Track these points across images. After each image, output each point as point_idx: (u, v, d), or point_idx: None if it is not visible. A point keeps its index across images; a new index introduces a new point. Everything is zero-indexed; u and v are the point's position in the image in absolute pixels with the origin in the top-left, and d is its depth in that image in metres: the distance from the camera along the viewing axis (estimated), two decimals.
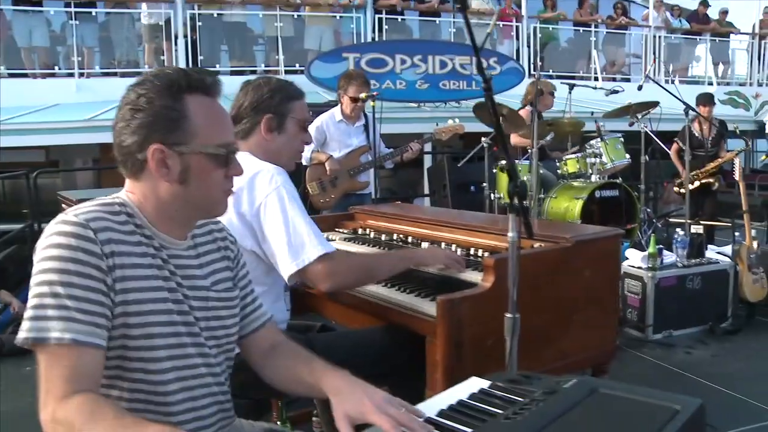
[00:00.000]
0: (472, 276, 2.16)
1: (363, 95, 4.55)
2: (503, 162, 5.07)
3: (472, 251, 2.39)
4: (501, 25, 11.29)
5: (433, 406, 1.35)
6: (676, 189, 6.25)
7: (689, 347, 4.32)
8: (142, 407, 1.35)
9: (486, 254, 2.30)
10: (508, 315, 1.81)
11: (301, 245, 2.01)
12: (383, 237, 2.81)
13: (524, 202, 1.83)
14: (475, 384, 1.45)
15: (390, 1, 10.34)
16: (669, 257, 4.63)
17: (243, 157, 2.13)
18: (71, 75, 9.30)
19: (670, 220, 5.99)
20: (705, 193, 6.37)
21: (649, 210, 6.01)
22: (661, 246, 4.55)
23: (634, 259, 4.57)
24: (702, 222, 5.18)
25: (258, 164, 2.12)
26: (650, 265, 4.41)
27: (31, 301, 1.24)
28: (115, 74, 9.52)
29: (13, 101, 8.70)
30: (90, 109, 7.97)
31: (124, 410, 1.26)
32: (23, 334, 1.23)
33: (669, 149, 6.17)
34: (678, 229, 4.83)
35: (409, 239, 2.69)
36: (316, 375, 1.48)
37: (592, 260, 2.24)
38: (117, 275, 1.30)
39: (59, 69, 9.59)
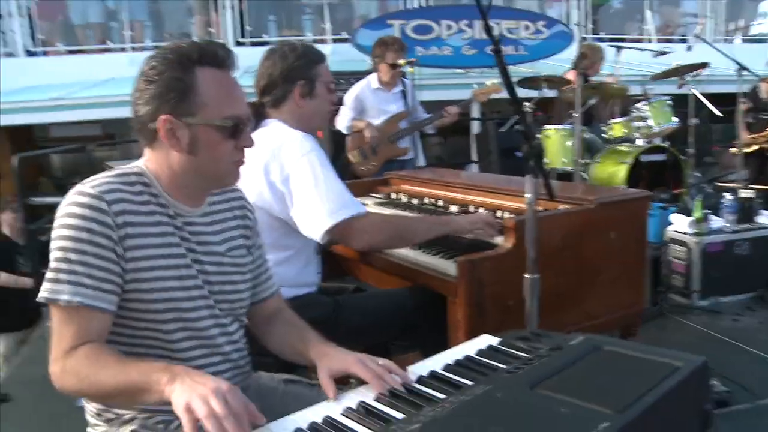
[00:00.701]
0: (498, 238, 2.18)
1: (401, 62, 4.55)
2: (548, 127, 5.06)
3: (498, 213, 2.40)
4: None
5: (440, 360, 1.40)
6: (734, 151, 6.03)
7: (737, 314, 4.22)
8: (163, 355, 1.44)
9: (511, 216, 2.31)
10: (527, 275, 1.83)
11: (335, 204, 2.06)
12: (414, 201, 2.84)
13: (543, 163, 1.84)
14: (484, 341, 1.49)
15: None
16: (716, 222, 4.52)
17: (273, 126, 2.19)
18: (123, 49, 9.53)
19: (721, 184, 5.81)
20: (765, 157, 6.13)
21: (698, 174, 5.85)
22: (707, 211, 4.44)
23: (679, 224, 4.48)
24: (754, 186, 5.01)
25: (286, 132, 2.17)
26: (696, 231, 4.32)
27: (50, 265, 1.35)
28: None
29: (71, 77, 8.99)
30: None
31: (124, 355, 1.36)
32: (41, 293, 1.34)
33: (720, 112, 5.96)
34: (726, 194, 4.69)
35: (440, 203, 2.72)
36: (306, 343, 1.56)
37: (618, 222, 2.23)
38: (128, 244, 1.38)
39: (112, 44, 9.83)
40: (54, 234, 1.36)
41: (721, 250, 4.36)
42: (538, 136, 5.49)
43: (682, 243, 4.36)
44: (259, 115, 2.25)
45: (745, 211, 4.60)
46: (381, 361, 1.39)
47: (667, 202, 4.84)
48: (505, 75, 1.73)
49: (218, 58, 1.46)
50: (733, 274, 4.40)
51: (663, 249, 4.48)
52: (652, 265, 4.27)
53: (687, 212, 4.82)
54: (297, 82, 2.23)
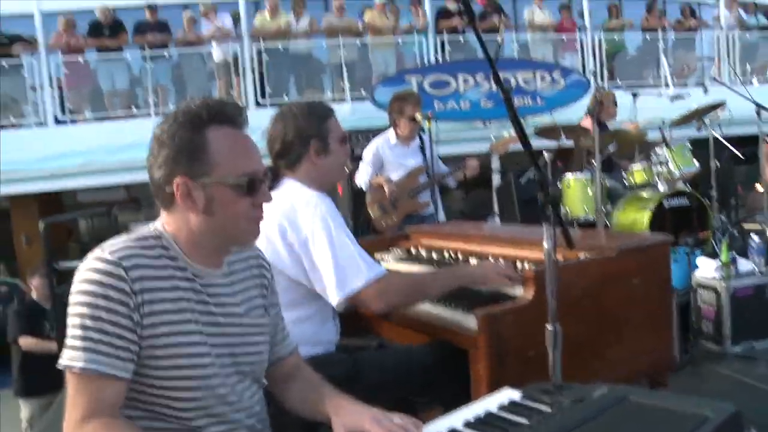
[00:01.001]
0: (518, 290, 2.16)
1: (418, 116, 4.60)
2: (568, 175, 5.05)
3: (519, 265, 2.39)
4: (564, 38, 11.17)
5: (460, 417, 1.37)
6: (759, 190, 5.95)
7: None
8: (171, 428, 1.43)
9: (531, 266, 2.29)
10: (549, 326, 1.80)
11: (348, 273, 2.05)
12: (434, 255, 2.84)
13: (560, 212, 1.82)
14: (505, 395, 1.46)
15: (451, 22, 10.39)
16: (745, 265, 4.43)
17: (289, 187, 2.22)
18: (148, 115, 9.77)
19: (747, 226, 5.73)
20: None
21: (723, 217, 5.78)
22: (734, 254, 4.37)
23: (706, 268, 4.40)
24: None
25: (302, 193, 2.18)
26: (724, 275, 4.24)
27: (68, 332, 1.36)
28: None
29: (97, 143, 9.22)
30: None
31: (137, 427, 1.35)
32: (61, 360, 1.35)
33: (742, 154, 5.92)
34: (753, 235, 4.62)
35: (460, 256, 2.71)
36: (322, 398, 1.54)
37: (640, 269, 2.20)
38: (145, 311, 1.38)
39: (137, 109, 10.09)
40: (72, 299, 1.37)
41: (751, 294, 4.26)
42: (554, 184, 5.49)
43: (711, 288, 4.28)
44: (274, 177, 2.27)
45: None
46: (397, 418, 1.37)
47: (693, 247, 4.76)
48: (515, 121, 1.74)
49: (228, 115, 1.47)
50: (765, 318, 4.29)
51: (691, 295, 4.39)
52: (680, 311, 4.17)
53: (713, 256, 4.74)
54: (311, 141, 2.25)
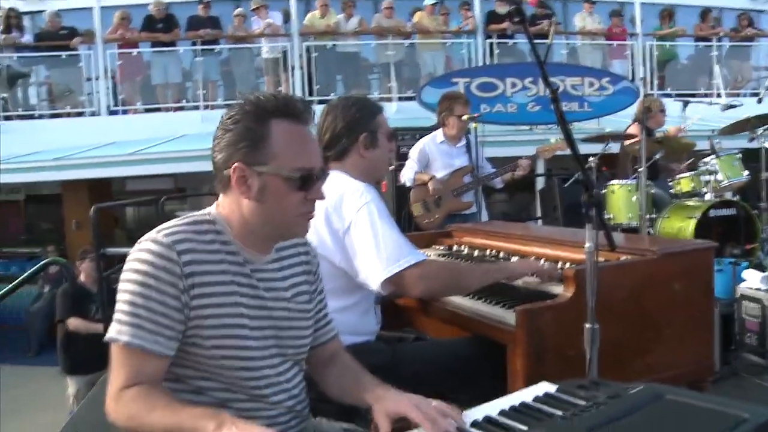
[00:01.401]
0: (558, 288, 2.17)
1: (466, 116, 4.62)
2: (614, 182, 5.00)
3: (560, 264, 2.39)
4: (614, 45, 11.04)
5: (496, 405, 1.40)
6: None
7: None
8: (210, 403, 1.48)
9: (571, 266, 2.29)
10: (587, 325, 1.81)
11: (392, 254, 2.08)
12: (476, 252, 2.85)
13: (603, 213, 1.83)
14: (542, 388, 1.48)
15: (500, 25, 10.37)
16: None
17: (336, 177, 2.26)
18: (197, 107, 9.97)
19: None
20: None
21: None
22: None
23: (752, 280, 4.32)
24: None
25: (348, 183, 2.23)
26: None
27: (116, 306, 1.43)
28: None
29: (147, 134, 9.46)
30: None
31: (175, 398, 1.41)
32: (108, 333, 1.42)
33: None
34: None
35: (501, 254, 2.72)
36: (362, 386, 1.58)
37: (682, 274, 2.18)
38: (195, 293, 1.44)
39: (187, 102, 10.31)
40: (123, 277, 1.43)
41: None
42: (597, 187, 5.43)
43: (756, 300, 4.20)
44: (325, 169, 2.32)
45: None
46: (435, 403, 1.41)
47: (739, 258, 4.68)
48: (563, 122, 1.75)
49: (294, 110, 1.51)
50: None
51: (735, 306, 4.32)
52: (723, 323, 4.11)
53: (760, 268, 4.65)
54: (360, 134, 2.29)
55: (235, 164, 1.47)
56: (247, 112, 1.49)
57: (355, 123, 2.30)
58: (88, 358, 5.41)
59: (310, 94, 10.10)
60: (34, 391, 7.03)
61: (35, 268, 5.82)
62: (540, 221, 7.86)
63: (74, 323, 5.65)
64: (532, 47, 1.70)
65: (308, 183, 1.51)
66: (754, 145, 5.56)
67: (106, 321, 5.10)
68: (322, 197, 1.56)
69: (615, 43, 11.07)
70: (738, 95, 10.65)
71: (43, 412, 6.04)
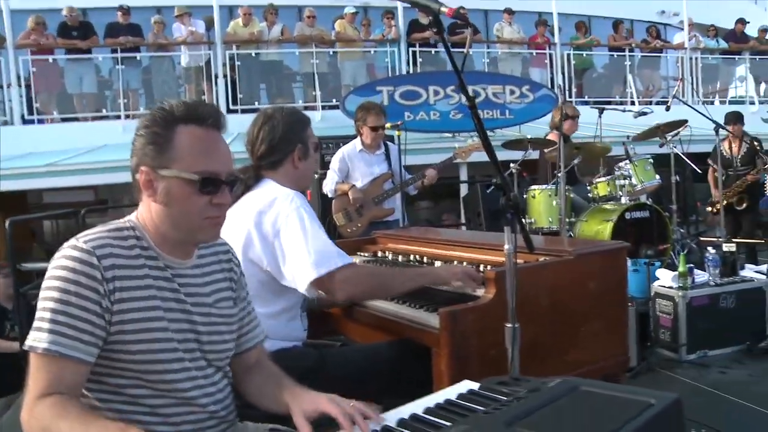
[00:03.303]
0: (480, 290, 2.23)
1: (388, 125, 4.69)
2: (534, 187, 5.17)
3: (481, 267, 2.46)
4: (534, 53, 11.38)
5: (421, 404, 1.44)
6: (708, 209, 6.22)
7: (725, 367, 4.24)
8: (141, 412, 1.48)
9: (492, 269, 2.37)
10: (508, 325, 1.87)
11: (320, 257, 2.12)
12: (400, 258, 2.90)
13: (521, 217, 1.91)
14: (465, 386, 1.53)
15: (423, 34, 10.53)
16: (701, 276, 4.59)
17: (268, 185, 2.28)
18: (118, 117, 9.72)
19: (703, 239, 5.93)
20: (741, 212, 6.31)
21: (682, 230, 5.96)
22: (691, 265, 4.52)
23: (664, 278, 4.54)
24: (736, 240, 5.12)
25: (278, 190, 2.27)
26: (681, 285, 4.38)
27: (37, 314, 1.41)
28: None
29: (65, 144, 9.14)
30: None
31: (89, 410, 1.40)
32: (27, 340, 1.40)
33: (700, 170, 6.14)
34: (709, 248, 4.78)
35: (425, 259, 2.78)
36: (281, 389, 1.60)
37: (596, 273, 2.29)
38: (116, 297, 1.44)
39: (107, 111, 10.03)
40: (44, 284, 1.42)
41: (706, 304, 4.41)
42: (519, 194, 5.61)
43: (668, 297, 4.42)
44: (256, 177, 2.36)
45: (729, 265, 4.67)
46: (353, 403, 1.44)
47: (653, 258, 4.91)
48: (480, 128, 1.81)
49: (201, 115, 1.53)
50: (719, 327, 4.43)
51: (650, 304, 4.53)
52: (639, 320, 4.30)
53: (672, 268, 4.89)
54: (296, 145, 2.35)
55: (142, 168, 1.50)
56: (155, 117, 1.52)
57: (291, 135, 2.35)
58: (2, 379, 5.18)
59: (234, 102, 10.01)
60: None
61: None
62: (464, 227, 8.01)
63: None
64: (449, 57, 1.75)
65: (212, 187, 1.52)
66: (665, 150, 5.86)
67: (23, 339, 4.93)
68: (227, 202, 1.57)
69: (534, 51, 11.41)
70: (650, 103, 11.16)
71: None
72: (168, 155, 1.49)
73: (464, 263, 2.54)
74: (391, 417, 1.39)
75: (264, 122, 2.37)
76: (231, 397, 1.66)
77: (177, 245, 1.58)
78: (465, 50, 2.04)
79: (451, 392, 1.49)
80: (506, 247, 1.87)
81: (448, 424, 1.30)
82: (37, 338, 1.38)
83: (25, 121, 9.75)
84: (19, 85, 9.69)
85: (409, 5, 1.72)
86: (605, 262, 2.37)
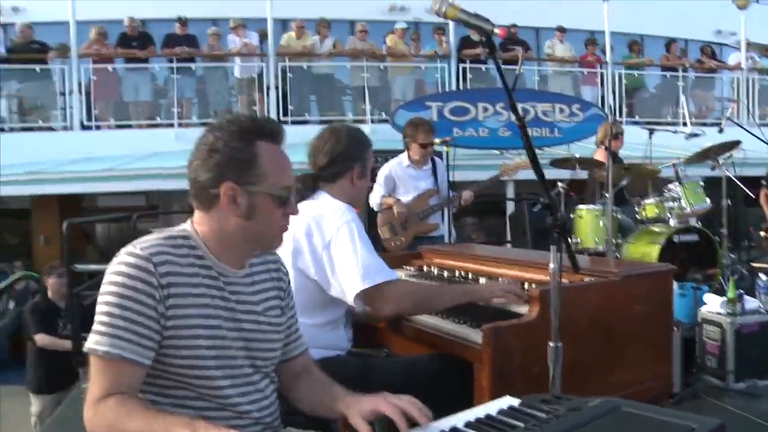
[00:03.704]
0: (524, 308, 2.25)
1: (437, 140, 4.72)
2: (581, 207, 5.13)
3: (526, 285, 2.47)
4: (585, 72, 11.29)
5: (461, 418, 1.46)
6: (763, 234, 6.06)
7: None
8: (188, 414, 1.53)
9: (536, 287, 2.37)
10: (551, 344, 1.88)
11: (369, 270, 2.18)
12: (446, 273, 2.93)
13: (567, 236, 1.92)
14: (505, 401, 1.54)
15: (474, 50, 10.54)
16: (752, 303, 4.48)
17: (322, 197, 2.35)
18: (171, 125, 9.97)
19: (755, 265, 5.78)
20: None
21: (733, 255, 5.83)
22: (741, 291, 4.42)
23: (712, 304, 4.44)
24: None
25: (332, 202, 2.34)
26: (729, 311, 4.29)
27: (96, 317, 1.47)
28: None
29: (120, 150, 9.42)
30: (187, 156, 8.47)
31: (151, 406, 1.46)
32: (87, 343, 1.46)
33: (753, 194, 6.01)
34: (761, 274, 4.67)
35: (470, 275, 2.80)
36: (334, 397, 1.65)
37: (642, 295, 2.28)
38: (170, 303, 1.50)
39: (160, 119, 10.30)
40: (102, 289, 1.49)
41: (756, 331, 4.30)
42: (566, 213, 5.57)
43: (716, 323, 4.31)
44: (314, 187, 2.43)
45: None
46: (405, 397, 1.49)
47: (701, 283, 4.82)
48: (529, 146, 1.84)
49: (274, 133, 1.62)
50: None
51: (696, 330, 4.44)
52: (685, 346, 4.22)
53: (721, 293, 4.78)
54: (356, 163, 2.42)
55: (227, 184, 1.55)
56: (234, 133, 1.57)
57: (354, 152, 2.43)
58: (55, 376, 5.36)
59: (285, 114, 10.17)
60: None
61: (7, 281, 5.77)
62: (509, 245, 7.98)
63: (41, 340, 5.59)
64: (501, 77, 1.79)
65: (289, 200, 1.62)
66: (717, 173, 5.75)
67: (76, 338, 5.09)
68: (297, 212, 1.67)
69: (585, 70, 11.32)
70: (704, 125, 10.95)
71: (7, 430, 5.95)
72: (254, 172, 1.56)
73: (507, 280, 2.56)
74: (432, 430, 1.42)
75: (330, 135, 2.45)
76: (276, 404, 1.71)
77: (239, 255, 1.64)
78: (516, 69, 2.06)
79: (491, 407, 1.50)
80: (551, 266, 1.88)
81: None
82: (97, 341, 1.45)
83: (84, 127, 10.08)
84: (80, 93, 10.03)
85: (465, 25, 1.75)
86: (651, 284, 2.36)
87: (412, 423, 1.46)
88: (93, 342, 1.46)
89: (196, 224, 1.62)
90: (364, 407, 1.52)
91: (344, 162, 2.40)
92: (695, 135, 5.85)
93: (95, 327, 1.47)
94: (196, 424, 1.35)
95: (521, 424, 1.37)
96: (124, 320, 1.45)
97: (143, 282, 1.47)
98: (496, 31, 1.70)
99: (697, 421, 1.29)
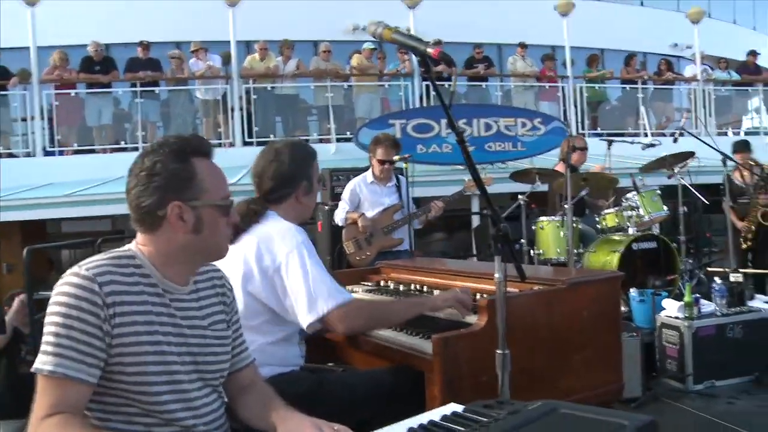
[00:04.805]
0: (474, 318, 2.29)
1: (396, 157, 4.78)
2: (542, 218, 5.21)
3: (479, 296, 2.52)
4: (547, 86, 11.48)
5: (405, 424, 1.49)
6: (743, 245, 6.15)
7: (732, 398, 4.21)
8: (137, 431, 1.56)
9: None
10: (499, 351, 1.93)
11: (318, 297, 2.19)
12: (401, 287, 2.97)
13: (511, 245, 1.97)
14: (450, 408, 1.58)
15: (437, 69, 10.64)
16: (707, 306, 4.59)
17: (270, 219, 2.36)
18: (136, 149, 9.92)
19: (711, 270, 5.92)
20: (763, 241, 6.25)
21: (691, 261, 5.97)
22: (697, 295, 4.52)
23: (670, 309, 4.55)
24: (743, 271, 5.12)
25: (280, 224, 2.34)
26: (686, 315, 4.39)
27: (43, 338, 1.49)
28: None
29: (84, 175, 9.34)
30: None
31: (91, 428, 1.48)
32: (34, 364, 1.48)
33: (708, 201, 6.16)
34: (716, 278, 4.79)
35: (425, 288, 2.85)
36: (269, 410, 1.68)
37: (589, 301, 2.34)
38: (116, 322, 1.53)
39: (125, 143, 10.25)
40: (48, 310, 1.51)
41: (713, 334, 4.40)
42: (528, 223, 5.67)
43: (674, 327, 4.41)
44: (260, 210, 2.42)
45: (737, 295, 4.67)
46: (337, 427, 1.52)
47: (660, 289, 4.93)
48: (470, 163, 1.89)
49: (204, 148, 1.68)
50: (727, 357, 4.41)
51: (656, 335, 4.53)
52: (645, 350, 4.30)
53: (680, 298, 4.89)
54: (301, 183, 2.43)
55: (173, 203, 1.59)
56: (168, 155, 1.61)
57: (297, 172, 2.43)
58: (22, 401, 5.26)
59: (250, 135, 10.19)
60: None
61: None
62: (475, 258, 8.06)
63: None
64: (437, 93, 1.84)
65: (231, 209, 1.69)
66: (673, 182, 5.89)
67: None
68: (237, 220, 1.76)
69: (547, 85, 11.52)
70: (663, 135, 11.19)
71: None
72: (196, 188, 1.62)
73: (459, 290, 2.60)
74: None
75: (269, 158, 2.44)
76: (224, 418, 1.73)
77: (185, 271, 1.68)
78: (451, 86, 2.13)
79: (435, 414, 1.54)
80: (496, 275, 1.94)
81: None
82: (43, 361, 1.47)
83: (46, 153, 9.99)
84: (42, 118, 9.95)
85: (400, 46, 1.81)
86: (599, 291, 2.42)
87: None
88: (39, 362, 1.47)
89: (140, 245, 1.65)
90: (290, 429, 1.55)
91: (289, 184, 2.41)
92: (652, 145, 6.00)
93: (42, 348, 1.48)
94: None
95: (461, 429, 1.41)
96: (69, 339, 1.47)
97: (88, 302, 1.49)
98: (429, 51, 1.76)
99: (629, 419, 1.34)
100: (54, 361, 1.46)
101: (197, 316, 1.69)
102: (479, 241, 7.91)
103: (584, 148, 6.08)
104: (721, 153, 5.48)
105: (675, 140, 5.91)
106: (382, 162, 4.82)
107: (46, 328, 1.49)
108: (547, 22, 11.98)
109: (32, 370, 1.48)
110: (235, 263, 2.23)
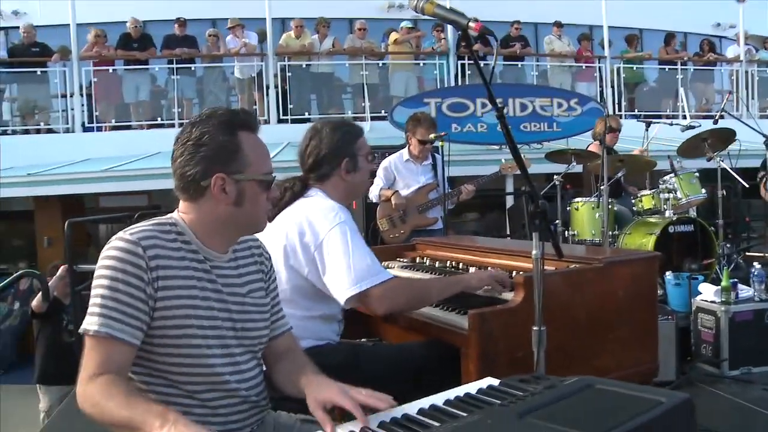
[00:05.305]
0: (510, 295, 2.30)
1: (432, 136, 4.77)
2: (577, 199, 5.16)
3: (513, 274, 2.52)
4: (583, 67, 11.32)
5: (442, 396, 1.51)
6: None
7: None
8: (181, 395, 1.61)
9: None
10: (535, 327, 1.94)
11: (360, 273, 2.20)
12: (437, 264, 2.98)
13: (549, 223, 1.97)
14: (486, 382, 1.60)
15: (473, 47, 10.56)
16: (746, 292, 4.52)
17: (315, 196, 2.38)
18: (172, 125, 10.04)
19: (750, 254, 5.82)
20: None
21: (728, 245, 5.87)
22: (735, 280, 4.45)
23: (707, 293, 4.49)
24: None
25: (324, 202, 2.37)
26: (723, 299, 4.33)
27: (90, 301, 1.55)
28: None
29: (121, 151, 9.50)
30: None
31: (135, 391, 1.51)
32: (82, 325, 1.53)
33: (748, 184, 6.03)
34: (755, 263, 4.70)
35: (460, 265, 2.85)
36: (300, 375, 1.71)
37: (626, 281, 2.32)
38: (159, 285, 1.57)
39: (162, 120, 10.38)
40: (95, 273, 1.56)
41: (751, 319, 4.33)
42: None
43: (710, 312, 4.36)
44: (304, 187, 2.46)
45: None
46: (365, 391, 1.54)
47: (696, 273, 4.86)
48: (509, 139, 1.88)
49: (251, 123, 1.71)
50: (765, 344, 4.34)
51: (691, 319, 4.48)
52: (680, 334, 4.26)
53: (717, 283, 4.82)
54: (343, 159, 2.43)
55: (217, 175, 1.63)
56: (215, 126, 1.64)
57: (338, 149, 2.43)
58: (62, 368, 5.41)
59: (285, 113, 10.24)
60: (5, 408, 6.99)
61: (9, 279, 5.81)
62: (509, 238, 8.02)
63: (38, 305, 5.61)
64: (478, 69, 1.84)
65: (271, 184, 1.72)
66: (712, 165, 5.79)
67: (77, 335, 5.14)
68: (276, 197, 1.79)
69: (584, 65, 11.35)
70: (704, 117, 10.97)
71: (14, 429, 6.02)
72: (240, 161, 1.65)
73: (496, 269, 2.61)
74: (413, 407, 1.47)
75: (312, 136, 2.47)
76: (263, 384, 1.77)
77: (225, 241, 1.72)
78: (493, 61, 2.11)
79: (472, 387, 1.56)
80: (534, 252, 1.94)
81: (464, 414, 1.38)
82: (89, 322, 1.52)
83: (85, 129, 10.17)
84: (81, 95, 10.11)
85: (440, 21, 1.80)
86: (635, 271, 2.40)
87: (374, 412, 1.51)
88: (86, 323, 1.52)
89: (182, 213, 1.70)
90: (320, 396, 1.57)
91: (329, 161, 2.42)
92: (691, 127, 5.89)
93: (89, 310, 1.53)
94: (168, 415, 1.38)
95: (498, 401, 1.43)
96: (114, 301, 1.52)
97: (132, 265, 1.53)
98: (471, 25, 1.75)
99: (666, 395, 1.34)
100: (99, 321, 1.51)
101: (237, 284, 1.73)
102: (513, 221, 7.86)
103: (617, 130, 5.98)
104: (764, 135, 5.36)
105: (715, 122, 5.80)
106: (422, 142, 4.80)
107: (93, 291, 1.54)
108: (585, 1, 11.78)
109: (80, 331, 1.53)
110: (278, 238, 2.26)
